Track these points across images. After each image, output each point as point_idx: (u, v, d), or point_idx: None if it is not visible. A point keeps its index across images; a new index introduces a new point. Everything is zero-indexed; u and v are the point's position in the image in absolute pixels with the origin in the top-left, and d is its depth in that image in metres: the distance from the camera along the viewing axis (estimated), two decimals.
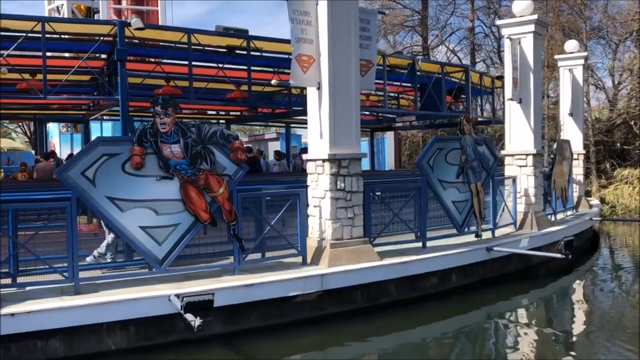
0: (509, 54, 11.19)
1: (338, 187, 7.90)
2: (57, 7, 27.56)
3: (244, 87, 10.99)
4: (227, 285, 6.75)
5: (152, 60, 10.26)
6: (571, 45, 15.91)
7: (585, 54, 15.74)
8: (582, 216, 13.61)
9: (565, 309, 9.25)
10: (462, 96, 14.04)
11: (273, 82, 8.84)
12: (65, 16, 26.29)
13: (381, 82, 11.29)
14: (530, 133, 11.28)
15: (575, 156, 15.67)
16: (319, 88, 7.90)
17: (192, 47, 10.07)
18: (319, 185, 8.04)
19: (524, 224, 11.17)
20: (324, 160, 7.90)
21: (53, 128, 24.31)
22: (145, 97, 11.55)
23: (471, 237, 9.90)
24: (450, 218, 9.57)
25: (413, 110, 13.00)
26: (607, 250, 14.33)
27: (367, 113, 15.39)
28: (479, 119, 16.87)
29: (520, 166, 11.38)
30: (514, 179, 11.19)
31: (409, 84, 14.14)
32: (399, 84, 12.93)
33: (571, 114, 15.58)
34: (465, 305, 8.69)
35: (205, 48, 9.92)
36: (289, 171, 15.78)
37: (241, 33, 9.38)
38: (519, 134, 11.44)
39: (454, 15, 30.09)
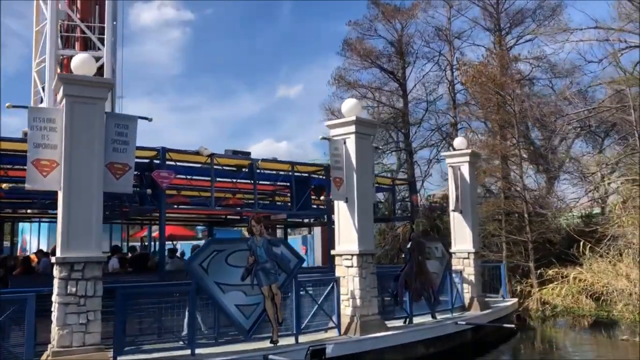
0: (331, 154, 11.20)
1: (68, 291, 7.70)
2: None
3: None
4: None
5: None
6: (458, 142, 15.90)
7: (469, 150, 15.59)
8: (446, 320, 12.85)
9: None
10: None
11: (4, 185, 9.05)
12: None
13: (209, 179, 11.40)
14: (355, 233, 11.00)
15: (465, 255, 15.18)
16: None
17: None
18: (55, 289, 7.89)
19: (349, 328, 10.62)
20: (55, 264, 7.80)
21: None
22: None
23: (267, 343, 9.42)
24: (234, 323, 9.17)
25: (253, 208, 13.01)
26: None
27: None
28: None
29: (348, 267, 11.00)
30: (337, 280, 10.78)
31: (285, 184, 14.29)
32: (232, 180, 13.02)
33: (460, 212, 15.25)
34: None
35: None
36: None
37: None
38: (346, 234, 11.17)
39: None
